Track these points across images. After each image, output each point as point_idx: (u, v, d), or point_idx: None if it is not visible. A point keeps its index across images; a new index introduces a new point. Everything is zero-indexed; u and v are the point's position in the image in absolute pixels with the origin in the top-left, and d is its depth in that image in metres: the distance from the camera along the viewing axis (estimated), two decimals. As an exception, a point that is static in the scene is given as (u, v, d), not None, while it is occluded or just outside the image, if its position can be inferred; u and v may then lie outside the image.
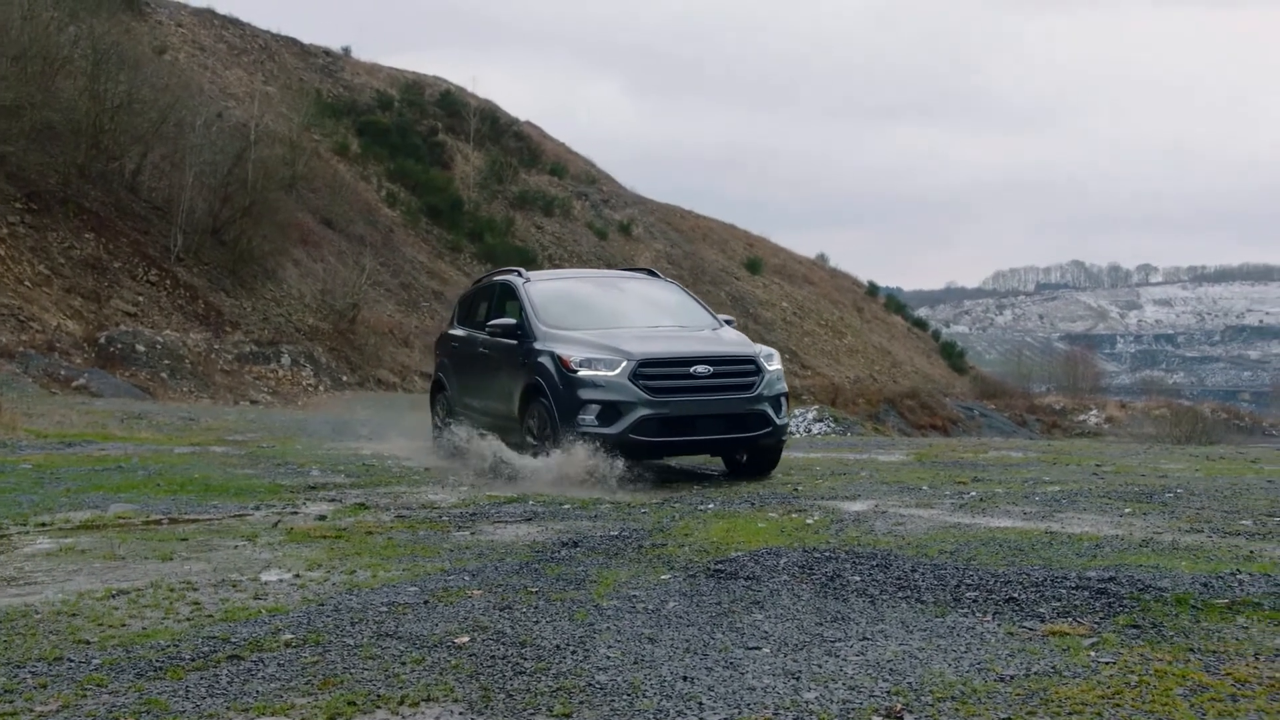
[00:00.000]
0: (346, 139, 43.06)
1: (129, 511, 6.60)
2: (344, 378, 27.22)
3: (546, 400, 8.52)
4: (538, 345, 8.79)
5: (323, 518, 6.41)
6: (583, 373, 8.32)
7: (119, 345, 23.00)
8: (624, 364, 8.26)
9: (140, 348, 23.01)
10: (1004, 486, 7.55)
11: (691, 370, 8.35)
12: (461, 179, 46.36)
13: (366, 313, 31.46)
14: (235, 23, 45.64)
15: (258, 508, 6.86)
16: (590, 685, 3.09)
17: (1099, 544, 4.91)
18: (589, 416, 8.21)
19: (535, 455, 8.49)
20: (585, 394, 8.25)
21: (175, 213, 28.10)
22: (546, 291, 9.67)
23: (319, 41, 49.87)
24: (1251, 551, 4.72)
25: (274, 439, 12.26)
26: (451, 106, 50.27)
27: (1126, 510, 6.15)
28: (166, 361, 23.07)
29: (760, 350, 8.86)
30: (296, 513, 6.65)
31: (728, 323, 9.68)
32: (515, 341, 9.09)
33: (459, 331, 10.78)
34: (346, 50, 51.30)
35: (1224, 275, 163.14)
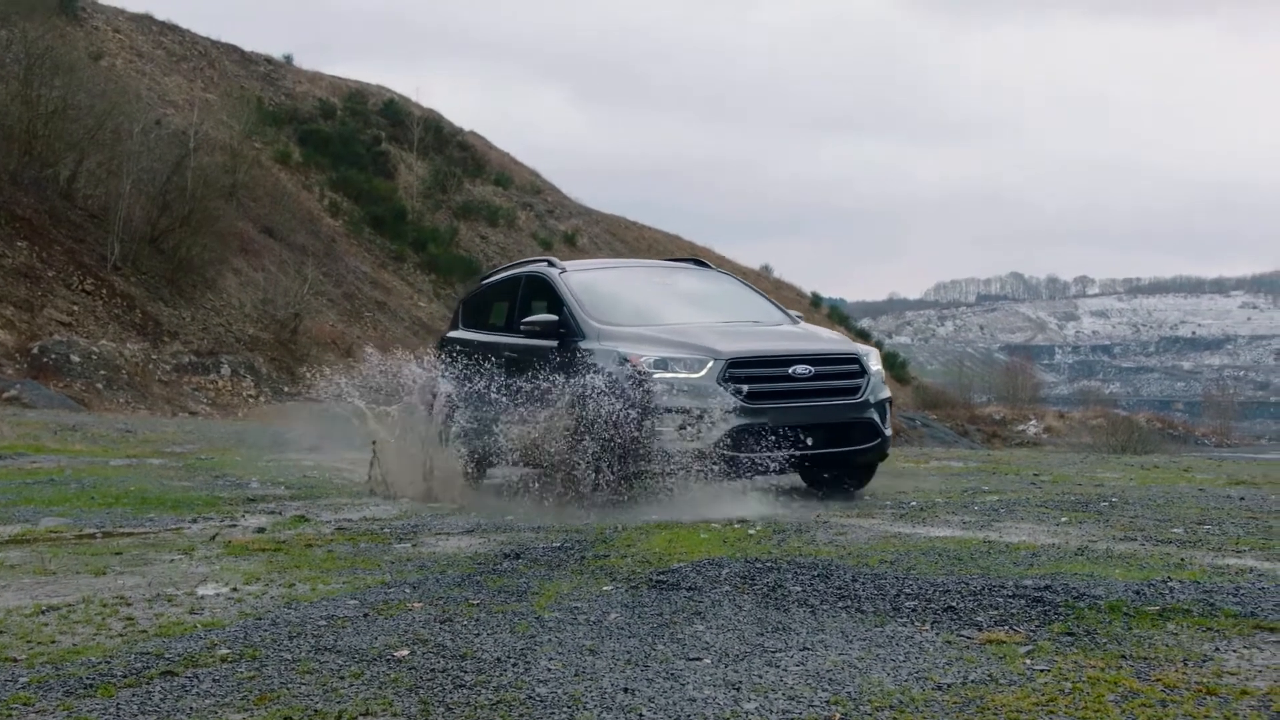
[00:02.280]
0: (288, 147, 42.67)
1: (61, 525, 6.48)
2: (285, 388, 26.91)
3: (609, 412, 6.99)
4: (590, 345, 7.37)
5: (262, 530, 6.33)
6: (659, 375, 6.90)
7: (53, 356, 22.56)
8: (710, 364, 6.91)
9: (75, 358, 22.58)
10: (943, 496, 7.63)
11: (790, 371, 7.05)
12: (405, 189, 46.11)
13: (308, 323, 31.16)
14: (174, 29, 45.08)
15: (195, 520, 6.76)
16: (531, 698, 3.08)
17: (1036, 553, 4.98)
18: (668, 429, 6.79)
19: (590, 486, 6.99)
20: (662, 400, 6.85)
21: (112, 221, 27.65)
22: (590, 283, 8.16)
23: (260, 49, 49.43)
24: (1183, 559, 4.81)
25: (213, 450, 12.10)
26: (395, 116, 49.99)
27: (1063, 519, 6.24)
28: (102, 372, 22.66)
29: (862, 348, 7.63)
30: (235, 525, 6.56)
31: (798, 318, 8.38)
32: (555, 343, 7.65)
33: (467, 335, 9.12)
34: (288, 58, 50.87)
35: (1158, 287, 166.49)
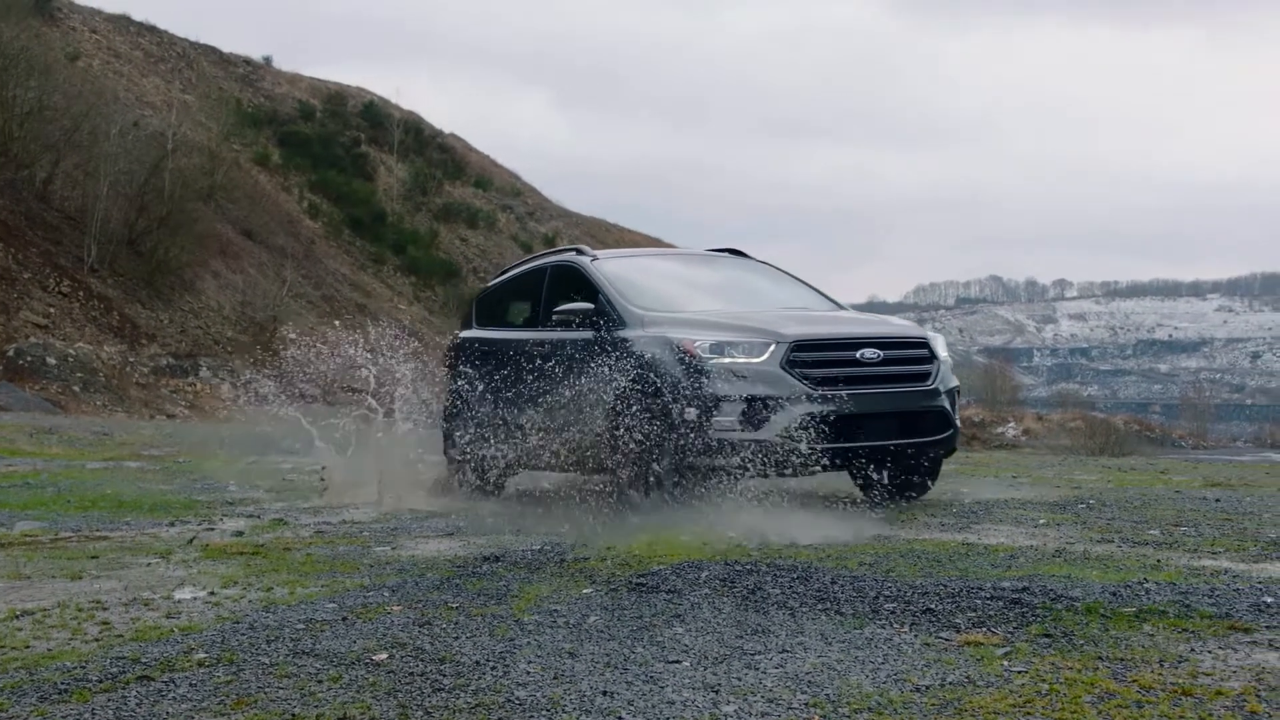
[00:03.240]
0: (267, 149, 42.50)
1: (36, 529, 6.43)
2: (264, 391, 26.75)
3: (660, 403, 6.44)
4: (633, 332, 6.82)
5: (240, 534, 6.30)
6: (716, 361, 6.35)
7: (28, 358, 22.39)
8: (772, 347, 6.35)
9: (51, 360, 22.42)
10: (922, 498, 7.66)
11: (859, 355, 6.49)
12: (385, 191, 46.00)
13: (288, 325, 30.99)
14: (152, 30, 44.83)
15: (172, 524, 6.72)
16: (509, 701, 3.07)
17: (1014, 555, 5.00)
18: (728, 418, 6.25)
19: (640, 489, 6.49)
20: (722, 387, 6.28)
21: (89, 222, 27.48)
22: (626, 270, 7.61)
23: (239, 50, 49.20)
24: (1159, 560, 4.84)
25: (191, 454, 12.03)
26: (375, 118, 49.87)
27: (1041, 521, 6.27)
28: (79, 375, 22.51)
29: (929, 332, 7.12)
30: (213, 529, 6.53)
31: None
32: (592, 333, 7.08)
33: (484, 334, 8.56)
34: (267, 59, 50.71)
35: (1136, 290, 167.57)
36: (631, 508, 6.51)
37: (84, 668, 3.46)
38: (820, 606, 4.05)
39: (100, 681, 3.32)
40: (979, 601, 4.02)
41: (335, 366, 8.77)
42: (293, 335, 8.99)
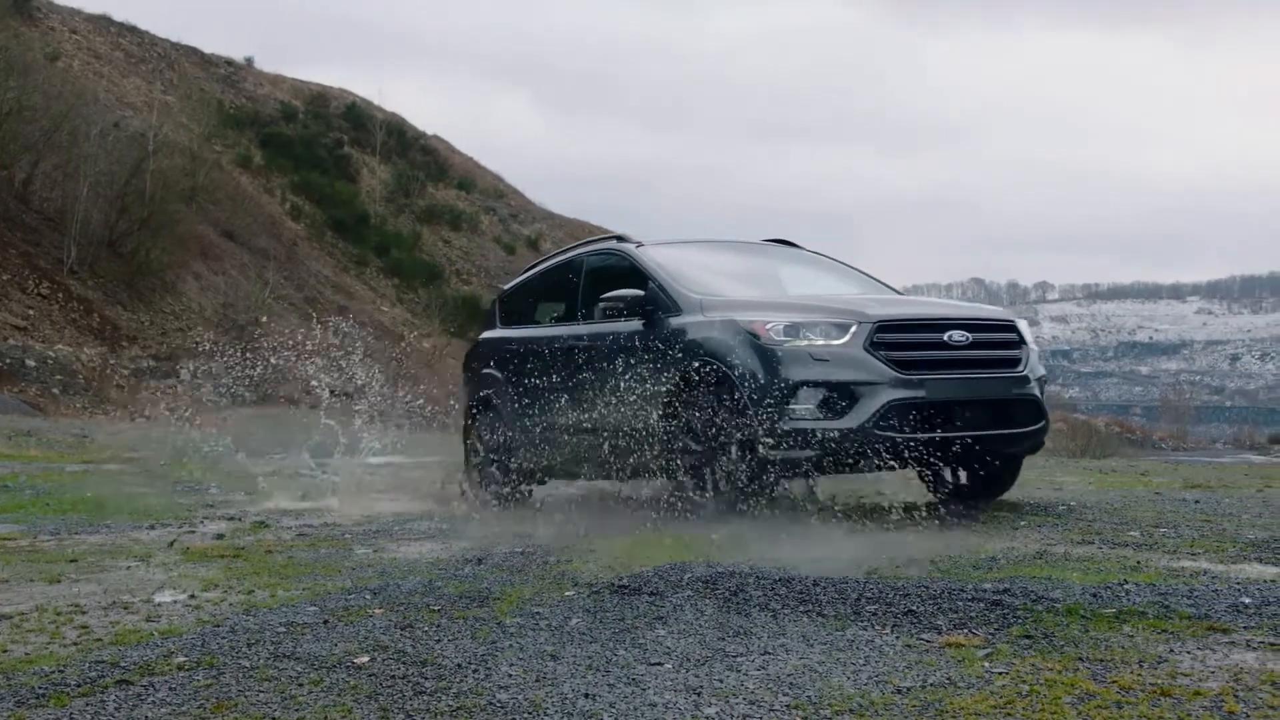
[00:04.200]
0: (249, 150, 42.35)
1: (14, 532, 6.38)
2: (246, 394, 26.66)
3: (727, 393, 5.96)
4: (693, 318, 6.35)
5: (221, 536, 6.28)
6: (791, 344, 5.86)
7: (7, 360, 22.24)
8: (854, 327, 5.86)
9: (30, 362, 22.28)
10: (904, 500, 7.67)
11: (946, 338, 6.00)
12: (367, 192, 45.89)
13: (270, 327, 30.88)
14: (133, 30, 44.61)
15: (153, 527, 6.69)
16: (491, 704, 3.06)
17: (994, 556, 5.02)
18: (806, 405, 5.76)
19: (703, 491, 6.06)
20: (799, 372, 5.78)
21: (69, 224, 27.32)
22: (677, 256, 7.08)
23: (221, 51, 49.03)
24: (1139, 562, 4.87)
25: (172, 456, 11.96)
26: (357, 119, 49.76)
27: (1021, 523, 6.29)
28: (58, 377, 22.38)
29: (1015, 315, 6.64)
30: (194, 532, 6.50)
31: None
32: (642, 323, 6.62)
33: (513, 334, 8.08)
34: (249, 60, 50.55)
35: (1117, 293, 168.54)
36: (694, 512, 6.04)
37: (62, 672, 3.43)
38: (802, 608, 4.06)
39: (78, 685, 3.29)
40: (960, 603, 4.03)
41: (270, 369, 8.52)
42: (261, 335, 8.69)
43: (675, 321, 6.42)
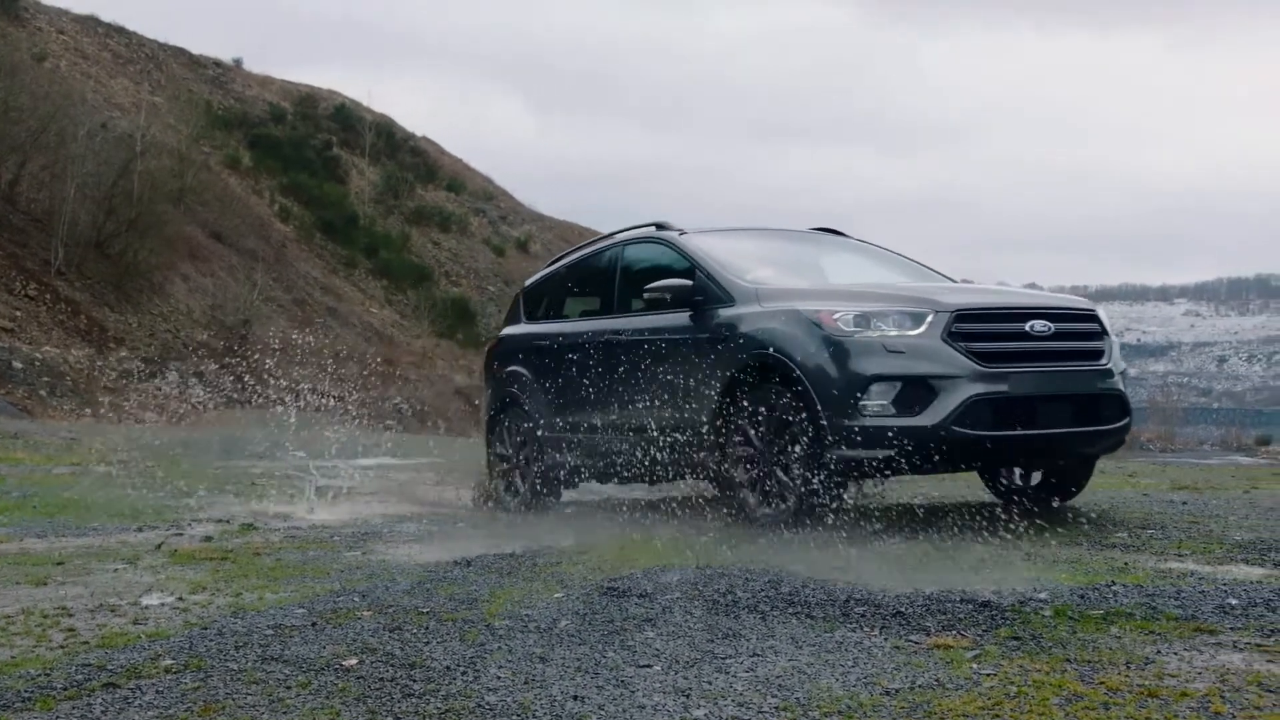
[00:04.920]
0: (238, 152, 42.22)
1: (1, 535, 6.35)
2: (234, 395, 26.59)
3: (790, 391, 5.56)
4: (748, 309, 5.96)
5: (209, 539, 6.26)
6: (862, 335, 5.46)
7: (-5, 362, 22.16)
8: (930, 317, 5.46)
9: (17, 364, 22.18)
10: (894, 502, 7.68)
11: (1028, 328, 5.58)
12: (357, 194, 45.79)
13: (258, 329, 30.81)
14: (120, 31, 44.44)
15: (140, 529, 6.67)
16: (480, 706, 3.06)
17: (983, 558, 5.02)
18: (879, 401, 5.37)
19: (762, 495, 5.66)
20: (871, 365, 5.40)
21: (56, 225, 27.21)
22: (724, 245, 6.71)
23: (209, 52, 48.85)
24: (1126, 563, 4.88)
25: (159, 458, 11.91)
26: (346, 120, 49.65)
27: (1010, 525, 6.30)
28: (46, 379, 22.29)
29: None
30: (181, 534, 6.48)
31: None
32: (689, 314, 6.25)
33: (540, 328, 7.69)
34: (238, 61, 50.35)
35: (1105, 294, 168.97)
36: (751, 518, 5.71)
37: (48, 675, 3.42)
38: (791, 610, 4.06)
39: (65, 689, 3.28)
40: (949, 605, 4.04)
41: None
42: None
43: (727, 313, 6.05)
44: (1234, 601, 4.00)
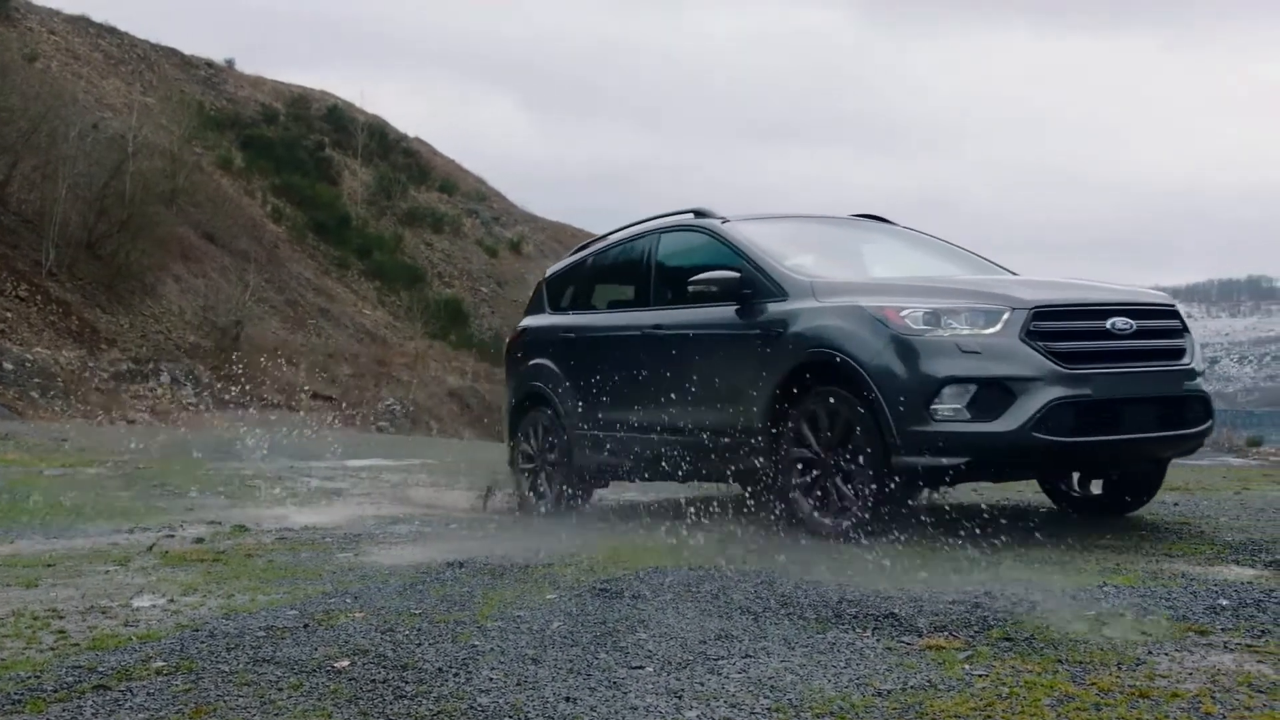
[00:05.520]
0: (230, 152, 42.17)
1: (-8, 537, 6.33)
2: (226, 397, 26.55)
3: (853, 393, 5.26)
4: (803, 303, 5.61)
5: (200, 540, 6.24)
6: (932, 333, 5.14)
7: (-15, 363, 22.10)
8: (1006, 314, 5.12)
9: (8, 365, 22.12)
10: (886, 505, 7.68)
11: (1109, 325, 5.23)
12: (349, 195, 45.76)
13: (250, 330, 30.76)
14: (112, 31, 44.35)
15: (132, 531, 6.65)
16: (472, 708, 3.06)
17: (975, 559, 5.03)
18: (952, 405, 5.05)
19: (818, 503, 5.43)
20: (944, 366, 5.07)
21: (47, 226, 27.14)
22: (771, 233, 6.36)
23: (201, 52, 48.78)
24: (1118, 564, 4.89)
25: (151, 460, 11.89)
26: (339, 121, 49.62)
27: (1003, 525, 6.31)
28: (37, 380, 22.23)
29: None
30: (173, 535, 6.46)
31: None
32: (737, 308, 5.93)
33: (567, 319, 7.36)
34: (230, 62, 50.29)
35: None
36: (808, 528, 5.46)
37: (39, 677, 3.41)
38: (783, 611, 4.06)
39: (55, 691, 3.27)
40: (941, 606, 4.05)
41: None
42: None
43: (779, 307, 5.71)
44: (1225, 602, 4.01)
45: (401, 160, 50.77)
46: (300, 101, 49.69)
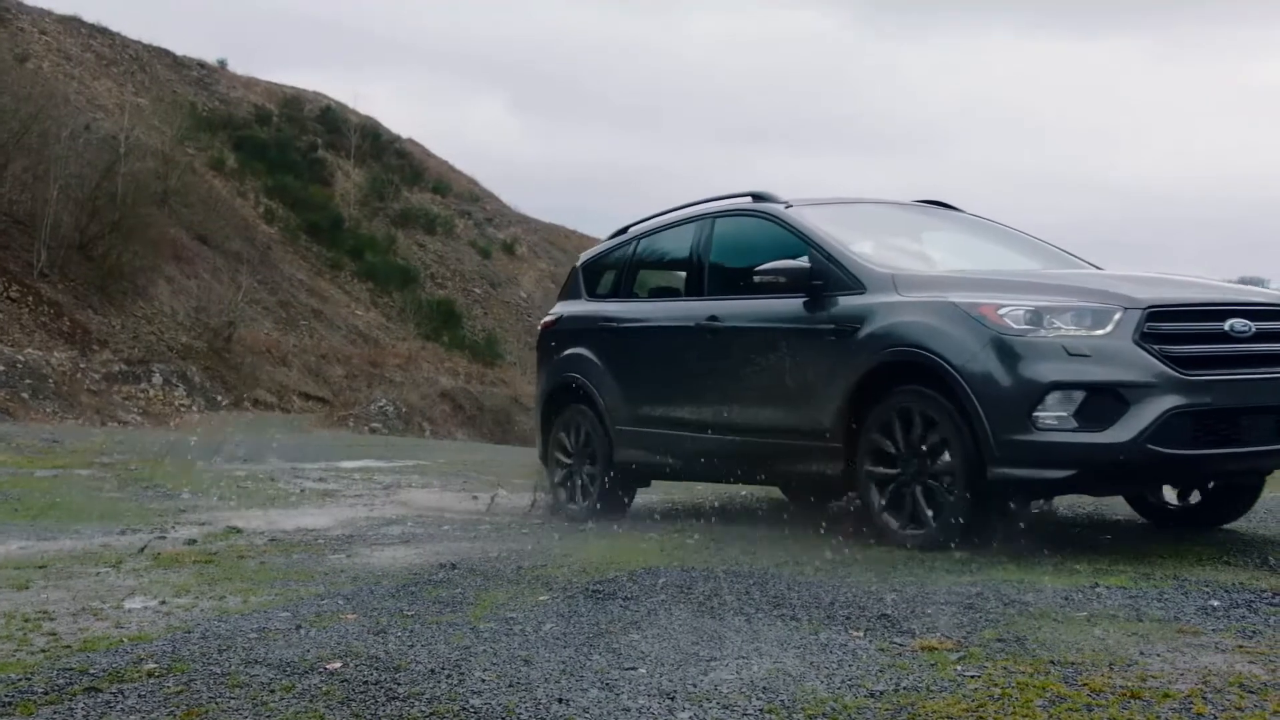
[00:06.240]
0: (222, 153, 42.12)
1: (-17, 538, 6.31)
2: (219, 398, 26.50)
3: (944, 397, 4.89)
4: (883, 298, 5.24)
5: (192, 542, 6.23)
6: (1035, 333, 4.75)
7: (-23, 364, 22.03)
8: (1118, 314, 4.71)
9: None
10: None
11: (1227, 327, 4.79)
12: (342, 196, 45.72)
13: (243, 331, 30.72)
14: (104, 32, 44.26)
15: (123, 533, 6.63)
16: (464, 710, 3.05)
17: (968, 560, 5.03)
18: (1058, 413, 4.67)
19: (901, 514, 5.10)
20: (1050, 370, 4.68)
21: (39, 227, 27.08)
22: (840, 220, 6.00)
23: (193, 53, 48.68)
24: (1110, 565, 4.90)
25: (143, 461, 11.86)
26: (332, 122, 49.58)
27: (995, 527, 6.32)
28: (28, 381, 22.17)
29: None
30: (165, 537, 6.45)
31: None
32: (805, 300, 5.54)
33: (615, 307, 6.93)
34: (222, 63, 50.23)
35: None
36: (886, 538, 5.18)
37: (29, 679, 3.40)
38: (776, 612, 4.06)
39: (46, 693, 3.26)
40: (934, 606, 4.05)
41: None
42: None
43: (855, 301, 5.33)
44: (1216, 603, 4.02)
45: (394, 161, 50.74)
46: (293, 102, 49.64)
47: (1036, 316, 4.80)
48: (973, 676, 3.22)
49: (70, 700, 3.20)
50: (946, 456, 4.95)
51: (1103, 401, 4.64)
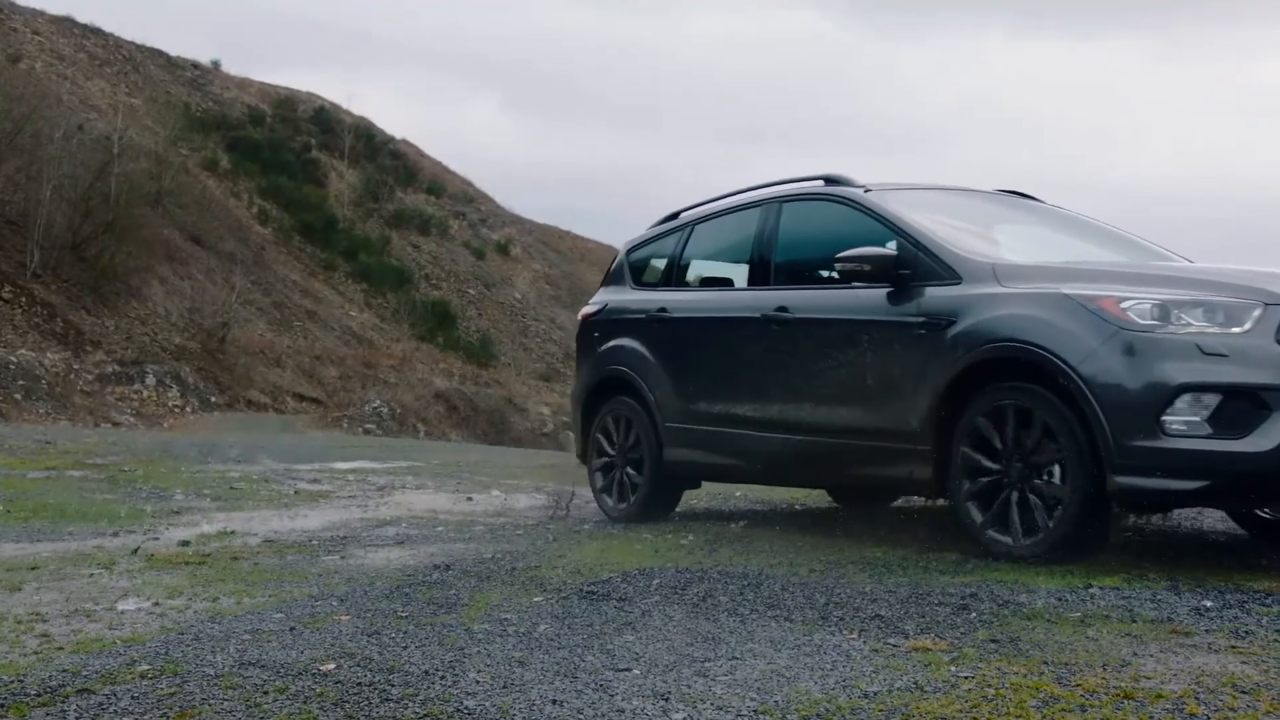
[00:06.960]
0: (216, 154, 42.06)
1: (-24, 540, 6.30)
2: (213, 399, 26.47)
3: (1057, 397, 4.51)
4: (983, 289, 4.86)
5: (186, 543, 6.22)
6: (1163, 330, 4.36)
7: (-31, 365, 22.00)
8: (1258, 310, 4.31)
9: (-8, 368, 22.04)
10: (872, 507, 7.71)
11: None
12: (336, 197, 45.67)
13: (237, 332, 30.68)
14: (97, 32, 44.17)
15: (116, 534, 6.62)
16: (458, 711, 3.05)
17: (961, 561, 5.04)
18: (1189, 418, 4.29)
19: (1002, 525, 4.74)
20: (1180, 371, 4.28)
21: (31, 228, 27.02)
22: (924, 207, 5.61)
23: (187, 53, 48.61)
24: (1103, 566, 4.90)
25: (137, 462, 11.84)
26: (326, 123, 49.53)
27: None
28: (21, 382, 22.12)
29: None
30: (158, 538, 6.43)
31: None
32: (890, 291, 5.17)
33: (668, 296, 6.58)
34: (216, 63, 50.13)
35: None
36: (982, 547, 4.85)
37: (22, 681, 3.39)
38: (770, 613, 4.07)
39: (39, 695, 3.25)
40: (928, 607, 4.06)
41: None
42: None
43: (949, 292, 4.96)
44: (1209, 604, 4.03)
45: (389, 162, 50.70)
46: (287, 103, 49.59)
47: (1164, 311, 4.41)
48: (966, 677, 3.22)
49: (63, 702, 3.20)
50: (1057, 463, 4.59)
51: (1241, 406, 4.25)
